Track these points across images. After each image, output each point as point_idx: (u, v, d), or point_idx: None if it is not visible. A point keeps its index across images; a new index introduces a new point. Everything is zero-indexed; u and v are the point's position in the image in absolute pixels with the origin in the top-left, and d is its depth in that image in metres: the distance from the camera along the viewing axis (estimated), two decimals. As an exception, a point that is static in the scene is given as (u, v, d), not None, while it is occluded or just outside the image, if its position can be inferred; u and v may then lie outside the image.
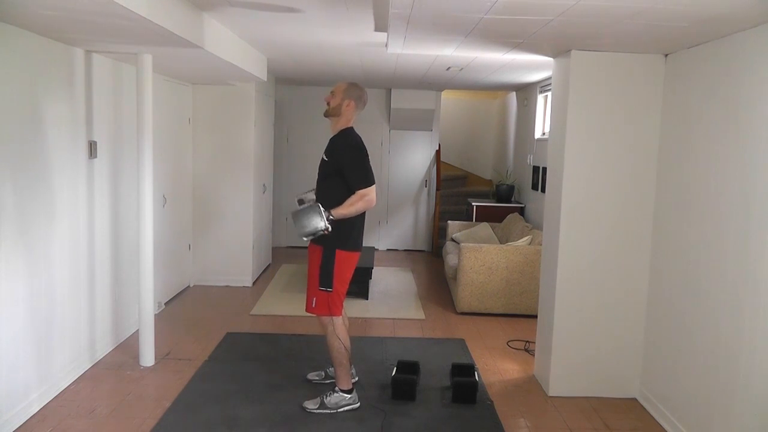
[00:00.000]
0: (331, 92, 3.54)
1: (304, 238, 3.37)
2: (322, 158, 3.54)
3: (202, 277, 6.35)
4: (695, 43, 3.27)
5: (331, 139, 3.55)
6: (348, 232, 3.45)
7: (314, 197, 3.56)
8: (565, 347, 3.87)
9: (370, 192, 3.38)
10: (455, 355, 4.49)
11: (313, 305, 3.51)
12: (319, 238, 3.47)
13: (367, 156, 3.49)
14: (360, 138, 3.54)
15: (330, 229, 3.31)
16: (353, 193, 3.38)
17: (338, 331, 3.51)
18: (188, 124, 6.07)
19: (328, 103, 3.53)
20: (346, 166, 3.41)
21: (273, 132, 7.54)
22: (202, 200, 6.27)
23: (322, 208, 3.31)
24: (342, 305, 3.54)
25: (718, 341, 3.00)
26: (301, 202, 3.66)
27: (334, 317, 3.50)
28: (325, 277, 3.45)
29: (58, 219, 3.64)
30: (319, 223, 3.29)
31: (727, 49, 3.02)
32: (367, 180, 3.39)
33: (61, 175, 3.66)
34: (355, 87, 3.53)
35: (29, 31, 3.27)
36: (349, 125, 3.54)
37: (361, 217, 3.51)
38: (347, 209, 3.36)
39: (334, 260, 3.43)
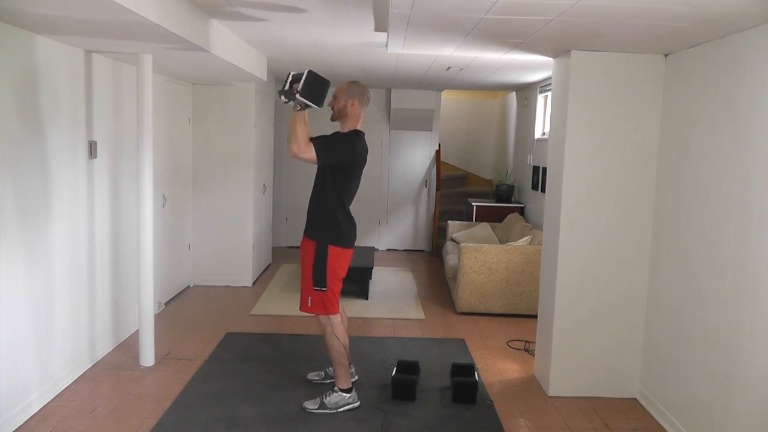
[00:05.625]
0: (333, 96, 3.51)
1: (292, 72, 3.24)
2: None
3: (202, 277, 6.35)
4: (695, 43, 3.27)
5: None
6: (340, 228, 3.45)
7: (322, 100, 3.31)
8: (565, 347, 3.87)
9: (308, 153, 3.24)
10: (455, 355, 4.49)
11: (309, 305, 3.51)
12: (312, 232, 3.49)
13: (353, 158, 3.40)
14: (364, 145, 3.49)
15: (283, 98, 3.23)
16: (335, 183, 3.37)
17: (336, 330, 3.51)
18: (188, 124, 6.07)
19: (333, 108, 3.52)
20: (327, 137, 3.40)
21: (273, 132, 7.54)
22: (202, 200, 6.27)
23: (310, 101, 3.18)
24: (338, 303, 3.54)
25: (718, 341, 3.00)
26: (327, 83, 3.35)
27: (331, 316, 3.50)
28: (319, 276, 3.45)
29: (58, 219, 3.64)
30: (301, 92, 3.15)
31: (727, 49, 3.02)
32: (320, 151, 3.27)
33: (61, 175, 3.66)
34: (356, 85, 3.51)
35: (29, 31, 3.27)
36: (358, 125, 3.50)
37: (349, 214, 3.51)
38: (299, 125, 3.23)
39: (327, 257, 3.43)
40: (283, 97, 3.27)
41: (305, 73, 3.20)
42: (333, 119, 3.55)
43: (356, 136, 3.46)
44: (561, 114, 3.81)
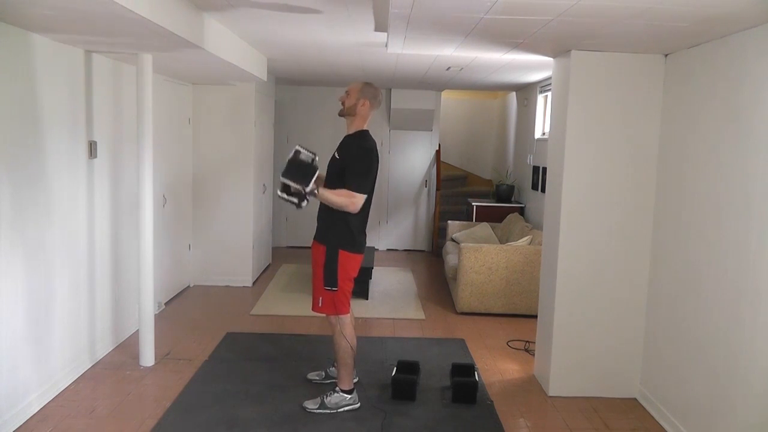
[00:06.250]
0: (346, 92, 3.52)
1: (279, 192, 3.28)
2: (334, 156, 3.51)
3: (202, 277, 6.35)
4: (695, 43, 3.27)
5: (346, 137, 3.53)
6: (351, 233, 3.45)
7: (312, 160, 3.39)
8: (565, 347, 3.87)
9: (359, 200, 3.35)
10: (455, 355, 4.49)
11: (320, 305, 3.51)
12: (323, 237, 3.47)
13: (377, 163, 3.46)
14: (375, 143, 3.52)
15: (304, 204, 3.25)
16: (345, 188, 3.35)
17: (345, 330, 3.51)
18: (188, 124, 6.07)
19: (343, 103, 3.52)
20: (350, 166, 3.39)
21: (273, 132, 7.54)
22: (202, 200, 6.27)
23: (314, 179, 3.22)
24: (348, 303, 3.54)
25: (718, 341, 3.01)
26: (297, 153, 3.42)
27: (341, 316, 3.51)
28: (330, 276, 3.45)
29: (58, 219, 3.64)
30: (305, 179, 3.18)
31: (727, 49, 3.02)
32: (362, 187, 3.36)
33: (61, 175, 3.66)
34: (370, 86, 3.52)
35: (29, 31, 3.27)
36: (365, 125, 3.52)
37: (362, 220, 3.51)
38: (331, 196, 3.32)
39: (337, 260, 3.43)
40: (298, 205, 3.27)
41: (285, 178, 3.23)
42: (341, 115, 3.55)
43: (367, 141, 3.47)
44: (561, 114, 3.81)
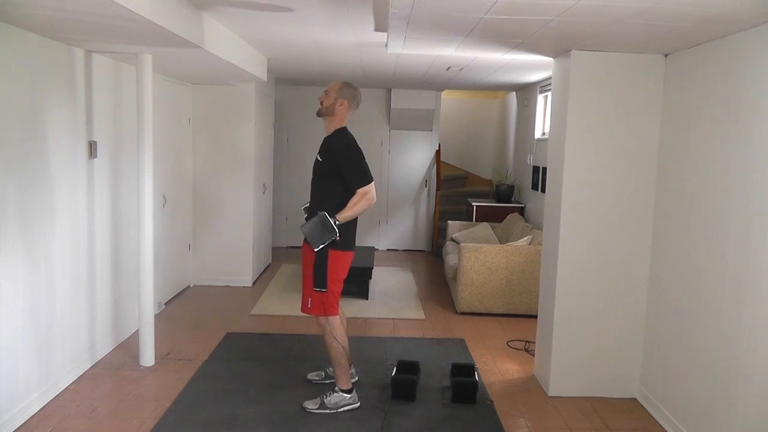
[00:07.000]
0: (325, 92, 3.54)
1: (317, 250, 3.39)
2: (317, 159, 3.53)
3: (202, 277, 6.35)
4: (695, 43, 3.27)
5: (325, 139, 3.55)
6: (341, 232, 3.45)
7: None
8: (565, 347, 3.87)
9: (371, 189, 3.40)
10: (455, 355, 4.49)
11: (309, 306, 3.52)
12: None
13: (363, 154, 3.50)
14: (353, 137, 3.54)
15: (339, 235, 3.33)
16: (353, 193, 3.38)
17: (335, 331, 3.51)
18: (188, 124, 6.07)
19: (321, 103, 3.54)
20: (343, 167, 3.41)
21: (273, 132, 7.54)
22: (202, 200, 6.27)
23: (328, 216, 3.32)
24: (338, 305, 3.54)
25: (718, 341, 3.01)
26: (306, 210, 3.65)
27: (330, 317, 3.51)
28: (320, 277, 3.45)
29: (59, 219, 3.64)
30: (331, 231, 3.32)
31: (727, 49, 3.02)
32: (366, 178, 3.40)
33: (61, 175, 3.66)
34: (349, 86, 3.53)
35: (29, 31, 3.27)
36: (343, 125, 3.54)
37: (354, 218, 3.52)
38: (351, 211, 3.37)
39: (327, 260, 3.43)
40: (336, 238, 3.37)
41: (319, 244, 3.36)
42: (319, 115, 3.57)
43: (346, 137, 3.50)
44: (561, 114, 3.81)
